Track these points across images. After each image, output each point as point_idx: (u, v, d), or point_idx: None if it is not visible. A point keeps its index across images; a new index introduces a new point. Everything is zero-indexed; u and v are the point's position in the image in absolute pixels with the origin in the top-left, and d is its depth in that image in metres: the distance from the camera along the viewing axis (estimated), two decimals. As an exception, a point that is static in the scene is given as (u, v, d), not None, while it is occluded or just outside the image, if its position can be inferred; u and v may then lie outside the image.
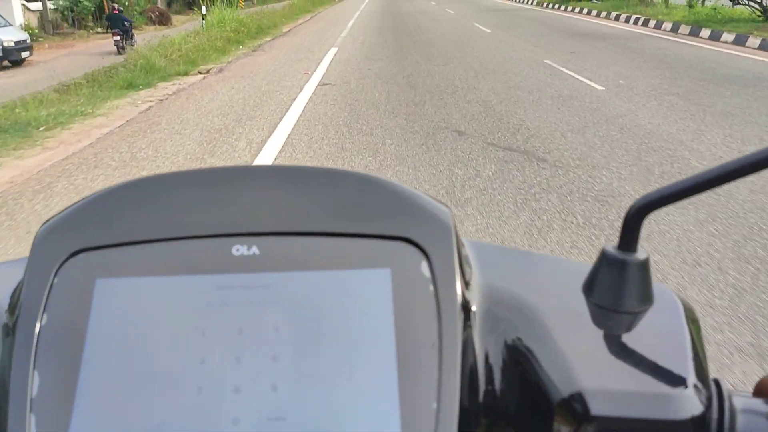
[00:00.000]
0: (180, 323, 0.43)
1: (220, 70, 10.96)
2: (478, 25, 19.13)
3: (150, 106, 7.94)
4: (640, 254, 0.48)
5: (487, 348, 0.48)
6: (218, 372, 0.42)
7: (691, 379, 0.43)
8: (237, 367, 0.42)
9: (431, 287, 0.45)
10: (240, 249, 0.46)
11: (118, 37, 12.45)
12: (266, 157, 5.50)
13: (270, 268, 0.46)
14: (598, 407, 0.41)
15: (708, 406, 0.42)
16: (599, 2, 25.22)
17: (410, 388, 0.42)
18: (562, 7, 26.31)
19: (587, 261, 0.54)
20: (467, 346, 0.45)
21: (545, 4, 29.17)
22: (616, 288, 0.48)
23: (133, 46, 11.79)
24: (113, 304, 0.44)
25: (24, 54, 13.51)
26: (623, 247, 0.49)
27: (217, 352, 0.42)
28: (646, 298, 0.48)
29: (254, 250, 0.46)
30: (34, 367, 0.41)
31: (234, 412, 0.41)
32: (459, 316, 0.44)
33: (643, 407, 0.41)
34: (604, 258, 0.49)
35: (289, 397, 0.41)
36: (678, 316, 0.49)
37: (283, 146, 5.86)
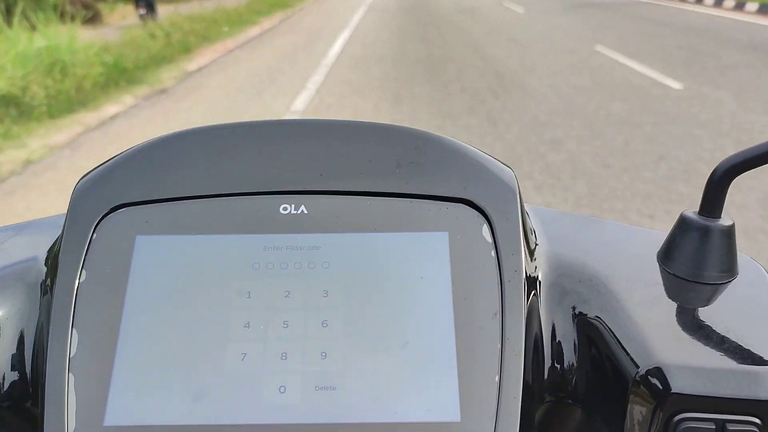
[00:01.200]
0: (224, 284, 0.41)
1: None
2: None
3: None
4: (725, 220, 0.44)
5: (553, 320, 0.44)
6: (264, 337, 0.39)
7: None
8: (284, 332, 0.39)
9: (493, 253, 0.42)
10: (287, 208, 0.44)
11: (143, 11, 12.68)
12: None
13: (319, 229, 0.43)
14: (679, 384, 0.37)
15: None
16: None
17: (470, 360, 0.39)
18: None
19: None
20: (532, 317, 0.42)
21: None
22: (697, 257, 0.44)
23: (155, 19, 12.20)
24: (153, 262, 0.42)
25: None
26: (705, 212, 0.44)
27: (263, 316, 0.40)
28: (729, 268, 0.44)
29: (302, 209, 0.44)
30: (72, 326, 0.40)
31: (280, 380, 0.38)
32: (523, 285, 0.41)
33: (730, 385, 0.37)
34: (683, 224, 0.45)
35: (339, 365, 0.39)
36: (765, 289, 0.44)
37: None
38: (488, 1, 16.59)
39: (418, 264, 0.42)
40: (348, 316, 0.40)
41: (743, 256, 0.46)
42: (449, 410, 0.37)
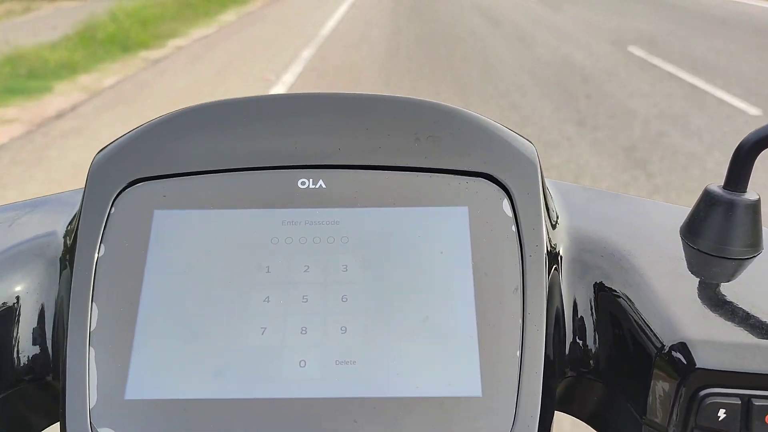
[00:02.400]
0: (243, 259, 0.41)
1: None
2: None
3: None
4: (750, 195, 0.43)
5: (575, 295, 0.44)
6: (284, 311, 0.39)
7: None
8: (304, 306, 0.39)
9: (513, 227, 0.41)
10: (306, 182, 0.43)
11: None
12: None
13: (338, 203, 0.42)
14: (704, 359, 0.37)
15: None
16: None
17: (491, 335, 0.38)
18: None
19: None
20: (553, 292, 0.41)
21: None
22: (722, 232, 0.43)
23: None
24: (172, 237, 0.41)
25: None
26: (731, 186, 0.44)
27: (283, 291, 0.40)
28: (755, 243, 0.43)
29: (321, 183, 0.43)
30: (92, 300, 0.40)
31: (300, 355, 0.38)
32: (545, 260, 0.40)
33: (756, 361, 0.37)
34: (707, 198, 0.44)
35: (359, 340, 0.38)
36: None
37: None
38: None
39: (438, 239, 0.41)
40: (367, 291, 0.40)
41: None
42: (471, 385, 0.37)
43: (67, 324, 0.39)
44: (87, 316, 0.39)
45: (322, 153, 0.44)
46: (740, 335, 0.38)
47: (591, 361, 0.43)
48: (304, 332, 0.39)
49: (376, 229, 0.42)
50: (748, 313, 0.39)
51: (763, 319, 0.39)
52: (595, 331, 0.43)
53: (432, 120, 0.45)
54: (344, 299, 0.39)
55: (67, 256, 0.43)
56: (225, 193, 0.43)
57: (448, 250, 0.41)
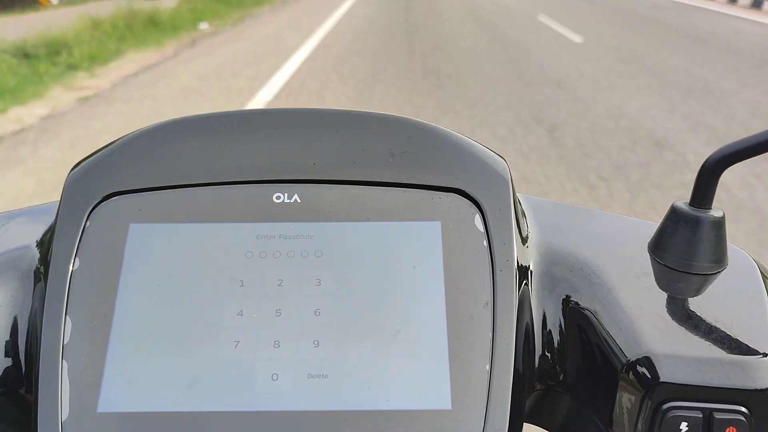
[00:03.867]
0: (217, 273, 0.41)
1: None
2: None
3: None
4: (715, 211, 0.44)
5: (544, 309, 0.45)
6: (257, 325, 0.40)
7: None
8: (277, 320, 0.40)
9: (485, 242, 0.42)
10: (281, 196, 0.44)
11: None
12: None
13: (312, 218, 0.43)
14: (667, 373, 0.38)
15: None
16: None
17: (461, 348, 0.39)
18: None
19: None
20: (523, 306, 0.42)
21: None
22: (688, 247, 0.44)
23: None
24: (147, 250, 0.42)
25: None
26: (696, 203, 0.45)
27: (256, 305, 0.40)
28: (719, 259, 0.45)
29: (296, 198, 0.44)
30: (66, 313, 0.40)
31: (273, 368, 0.38)
32: (515, 274, 0.41)
33: (718, 375, 0.38)
34: (674, 214, 0.45)
35: (331, 353, 0.39)
36: (755, 279, 0.45)
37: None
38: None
39: (411, 253, 0.42)
40: (341, 305, 0.40)
41: (733, 247, 0.47)
42: (440, 398, 0.38)
43: (41, 337, 0.39)
44: (60, 329, 0.39)
45: (298, 167, 0.45)
46: (703, 350, 0.39)
47: (559, 374, 0.44)
48: (277, 346, 0.39)
49: (350, 243, 0.42)
50: (711, 328, 0.40)
51: (726, 334, 0.40)
52: (563, 344, 0.44)
53: (406, 136, 0.46)
54: (317, 313, 0.40)
55: (42, 269, 0.43)
56: (200, 206, 0.43)
57: (421, 264, 0.42)
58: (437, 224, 0.43)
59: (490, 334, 0.39)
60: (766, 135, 0.41)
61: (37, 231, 0.48)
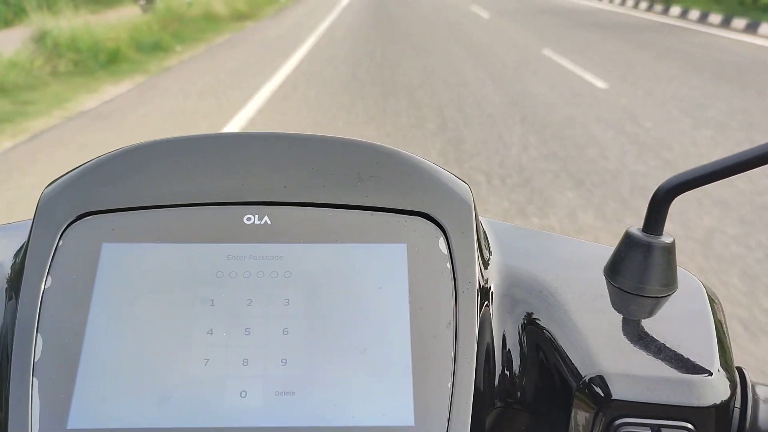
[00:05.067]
0: (188, 292, 0.42)
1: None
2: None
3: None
4: (666, 237, 0.47)
5: (504, 329, 0.46)
6: (226, 343, 0.41)
7: (716, 366, 0.41)
8: (246, 339, 0.41)
9: (448, 265, 0.44)
10: (252, 218, 0.45)
11: (143, 1, 13.98)
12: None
13: (282, 239, 0.44)
14: (619, 391, 0.40)
15: (731, 395, 0.41)
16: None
17: (424, 367, 0.40)
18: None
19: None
20: (484, 326, 0.44)
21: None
22: (640, 271, 0.47)
23: (154, 6, 13.53)
24: (119, 269, 0.43)
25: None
26: (648, 229, 0.47)
27: (226, 324, 0.41)
28: (670, 282, 0.47)
29: (266, 219, 0.45)
30: (37, 331, 0.40)
31: (242, 386, 0.39)
32: (476, 296, 0.43)
33: (666, 393, 0.40)
34: (628, 240, 0.48)
35: (298, 371, 0.40)
36: (702, 302, 0.47)
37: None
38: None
39: (378, 274, 0.43)
40: (308, 324, 0.41)
41: (682, 271, 0.49)
42: (404, 415, 0.39)
43: (11, 354, 0.40)
44: (31, 346, 0.40)
45: (268, 190, 0.46)
46: (653, 369, 0.41)
47: (518, 392, 0.46)
48: (245, 364, 0.40)
49: (318, 264, 0.44)
50: (661, 348, 0.43)
51: (675, 354, 0.42)
52: (522, 363, 0.46)
53: (374, 161, 0.48)
54: (285, 332, 0.41)
55: (14, 287, 0.44)
56: (172, 227, 0.44)
57: (387, 285, 0.43)
58: (403, 246, 0.44)
59: (453, 353, 0.41)
60: (714, 166, 0.43)
61: (10, 249, 0.48)
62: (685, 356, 0.42)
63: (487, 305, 0.45)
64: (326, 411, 0.39)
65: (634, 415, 0.40)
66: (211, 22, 12.34)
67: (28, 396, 0.38)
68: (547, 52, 8.84)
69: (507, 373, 0.46)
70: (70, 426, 0.38)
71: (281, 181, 0.47)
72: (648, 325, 0.45)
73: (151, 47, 9.06)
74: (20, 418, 0.38)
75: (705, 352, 0.42)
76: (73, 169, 0.47)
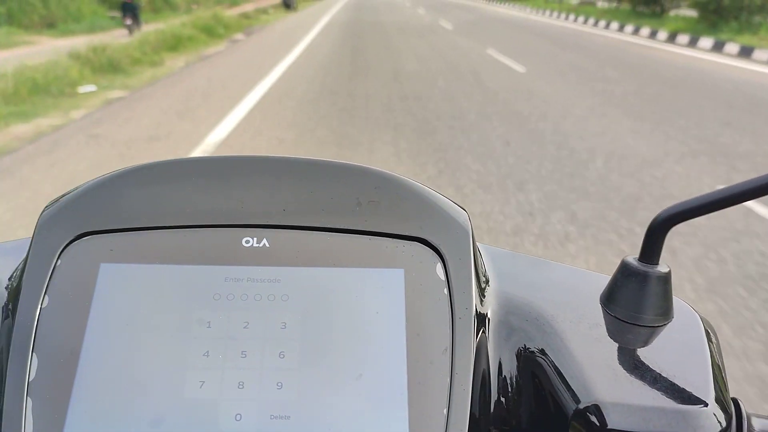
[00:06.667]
0: (185, 314, 0.42)
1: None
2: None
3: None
4: (662, 267, 0.47)
5: (500, 356, 0.46)
6: (222, 366, 0.40)
7: (711, 397, 0.41)
8: (242, 362, 0.41)
9: (446, 290, 0.44)
10: (250, 241, 0.45)
11: (129, 21, 14.91)
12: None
13: (280, 262, 0.44)
14: (614, 420, 0.40)
15: (727, 426, 0.41)
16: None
17: (420, 393, 0.40)
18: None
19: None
20: (480, 353, 0.44)
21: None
22: (636, 301, 0.47)
23: (140, 29, 14.59)
24: (117, 290, 0.43)
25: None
26: (645, 259, 0.47)
27: (222, 346, 0.41)
28: (666, 312, 0.47)
29: (264, 242, 0.45)
30: (33, 350, 0.40)
31: (237, 408, 0.39)
32: (473, 322, 0.43)
33: (661, 423, 0.40)
34: (624, 269, 0.48)
35: (294, 395, 0.40)
36: (698, 332, 0.47)
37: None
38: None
39: (375, 299, 0.43)
40: (305, 348, 0.41)
41: (678, 301, 0.49)
42: None
43: (6, 373, 0.39)
44: (26, 366, 0.40)
45: (267, 213, 0.46)
46: (649, 399, 0.41)
47: (513, 420, 0.46)
48: (241, 387, 0.40)
49: (315, 288, 0.44)
50: (657, 378, 0.43)
51: (671, 384, 0.42)
52: (517, 391, 0.46)
53: (373, 186, 0.48)
54: (281, 356, 0.41)
55: (10, 306, 0.43)
56: (171, 248, 0.44)
57: (384, 310, 0.43)
58: (401, 272, 0.45)
59: (448, 380, 0.41)
60: (710, 197, 0.44)
61: (8, 268, 0.48)
62: (681, 386, 0.42)
63: (484, 332, 0.45)
64: None
65: None
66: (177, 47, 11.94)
67: (22, 416, 0.38)
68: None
69: (503, 400, 0.46)
70: None
71: (280, 205, 0.47)
72: (644, 354, 0.45)
73: (49, 90, 7.11)
74: None
75: (701, 382, 0.42)
76: (73, 190, 0.47)
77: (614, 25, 19.01)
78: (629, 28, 17.96)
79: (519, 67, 9.94)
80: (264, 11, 23.95)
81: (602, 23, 19.88)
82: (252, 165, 0.49)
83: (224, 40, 14.43)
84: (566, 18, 23.44)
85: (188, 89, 7.80)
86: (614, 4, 25.37)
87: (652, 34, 16.28)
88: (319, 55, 11.07)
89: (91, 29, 15.68)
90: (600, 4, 27.83)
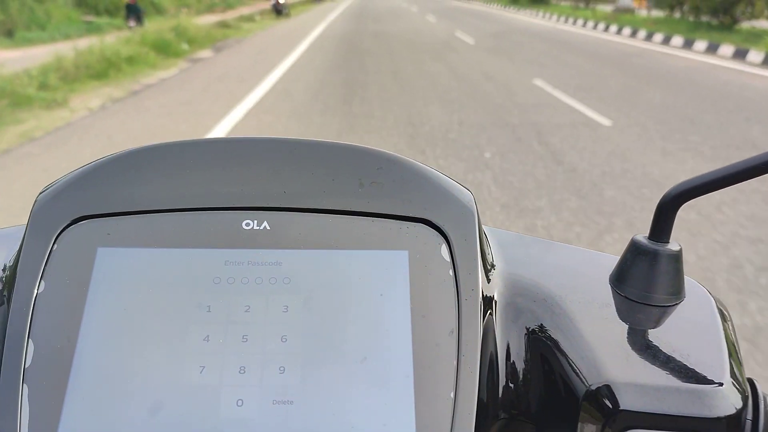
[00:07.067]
0: (184, 298, 0.41)
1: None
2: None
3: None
4: (673, 245, 0.46)
5: (508, 339, 0.45)
6: (223, 351, 0.40)
7: (726, 376, 0.40)
8: (243, 346, 0.40)
9: (451, 272, 0.43)
10: (250, 223, 0.44)
11: (133, 23, 15.21)
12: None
13: (281, 245, 0.43)
14: (627, 401, 0.39)
15: (743, 406, 0.40)
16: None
17: (426, 376, 0.39)
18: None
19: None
20: (487, 335, 0.43)
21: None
22: (647, 280, 0.46)
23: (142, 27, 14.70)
24: (114, 274, 0.42)
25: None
26: (655, 237, 0.46)
27: (223, 330, 0.40)
28: (677, 291, 0.46)
29: (265, 225, 0.44)
30: (29, 336, 0.39)
31: (238, 394, 0.38)
32: (479, 304, 0.42)
33: (676, 403, 0.38)
34: (634, 248, 0.47)
35: (296, 379, 0.39)
36: (710, 312, 0.46)
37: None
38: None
39: (378, 281, 0.42)
40: (307, 332, 0.40)
41: (690, 280, 0.48)
42: (405, 426, 0.38)
43: (1, 360, 0.39)
44: (22, 352, 0.39)
45: (268, 195, 0.45)
46: (662, 379, 0.40)
47: (522, 404, 0.44)
48: (242, 372, 0.39)
49: (317, 270, 0.43)
50: (669, 358, 0.41)
51: (683, 364, 0.41)
52: (526, 373, 0.45)
53: (375, 167, 0.47)
54: (284, 339, 0.40)
55: (5, 292, 0.43)
56: (169, 232, 0.43)
57: (388, 292, 0.42)
58: (404, 253, 0.43)
59: (455, 362, 0.40)
60: (720, 172, 0.42)
61: (3, 254, 0.47)
62: (695, 366, 0.41)
63: (491, 314, 0.44)
64: (325, 421, 0.38)
65: (643, 426, 0.39)
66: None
67: (18, 403, 0.37)
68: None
69: (511, 383, 0.44)
70: None
71: (281, 187, 0.46)
72: (655, 334, 0.44)
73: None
74: (9, 426, 0.37)
75: (715, 362, 0.41)
76: (70, 173, 0.46)
77: (677, 40, 13.81)
78: (700, 45, 12.66)
79: (597, 116, 6.09)
80: (249, 18, 20.59)
81: (658, 37, 14.73)
82: (252, 146, 0.48)
83: (182, 60, 10.71)
84: (606, 29, 18.13)
85: (56, 168, 4.33)
86: (661, 13, 19.62)
87: (738, 55, 11.12)
88: (297, 91, 7.45)
89: (53, 38, 13.41)
90: (639, 12, 22.26)
